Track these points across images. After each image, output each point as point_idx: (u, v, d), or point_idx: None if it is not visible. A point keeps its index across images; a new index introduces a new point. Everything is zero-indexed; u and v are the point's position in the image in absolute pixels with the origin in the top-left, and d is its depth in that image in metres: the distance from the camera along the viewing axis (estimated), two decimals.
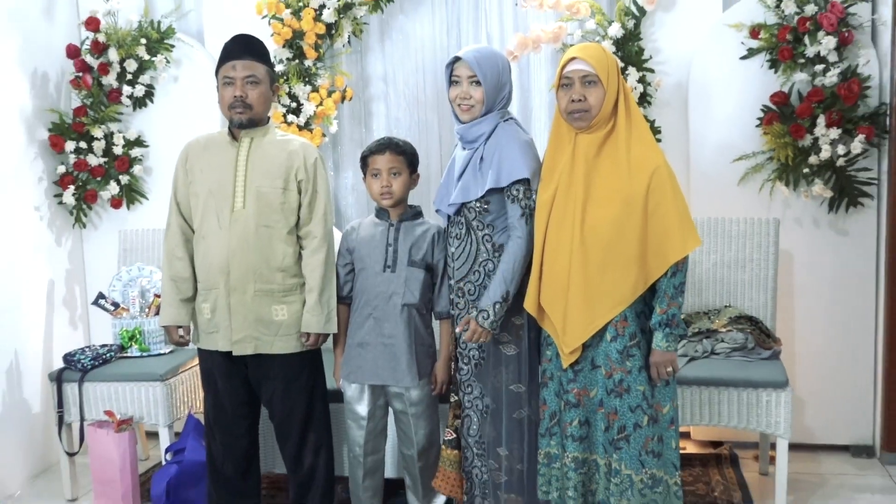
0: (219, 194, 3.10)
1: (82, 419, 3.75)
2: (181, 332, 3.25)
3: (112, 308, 3.95)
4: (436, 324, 3.24)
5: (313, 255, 3.13)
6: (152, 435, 4.40)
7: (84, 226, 4.45)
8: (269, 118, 3.21)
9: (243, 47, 3.09)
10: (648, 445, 2.73)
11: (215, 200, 3.11)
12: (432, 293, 3.18)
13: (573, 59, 2.73)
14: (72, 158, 4.28)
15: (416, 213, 3.20)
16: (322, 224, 3.15)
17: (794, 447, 3.59)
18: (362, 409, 3.18)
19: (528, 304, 2.85)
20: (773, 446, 3.48)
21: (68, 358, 3.83)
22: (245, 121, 3.08)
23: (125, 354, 3.90)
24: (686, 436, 4.17)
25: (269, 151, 3.13)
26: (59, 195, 4.31)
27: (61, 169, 4.29)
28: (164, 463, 3.68)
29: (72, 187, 4.29)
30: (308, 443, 3.25)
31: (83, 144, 4.27)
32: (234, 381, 3.21)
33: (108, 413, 3.67)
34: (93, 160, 4.26)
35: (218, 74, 3.11)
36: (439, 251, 3.13)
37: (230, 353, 3.13)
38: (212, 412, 3.30)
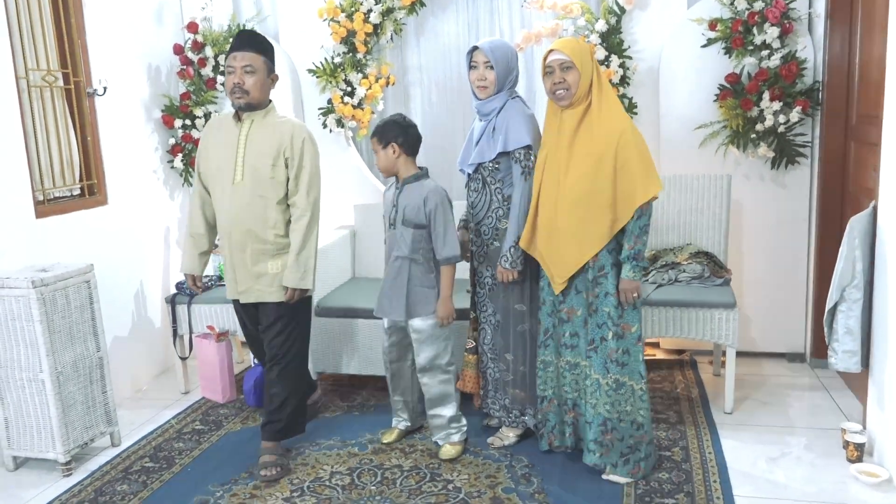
0: (224, 169, 2.84)
1: (191, 332, 3.73)
2: (193, 279, 3.04)
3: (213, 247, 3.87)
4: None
5: (297, 221, 2.85)
6: (244, 343, 4.36)
7: (190, 184, 4.30)
8: (270, 101, 2.89)
9: (244, 41, 2.80)
10: (612, 356, 2.63)
11: (221, 174, 2.85)
12: (427, 245, 2.86)
13: (552, 51, 2.63)
14: (180, 132, 4.17)
15: (419, 176, 2.86)
16: (305, 195, 2.84)
17: (740, 354, 3.57)
18: (385, 324, 2.99)
19: (523, 243, 2.76)
20: (724, 353, 3.36)
21: (180, 286, 3.79)
22: (243, 105, 2.79)
23: (222, 283, 3.81)
24: (656, 345, 4.06)
25: (265, 132, 2.83)
26: (171, 161, 4.20)
27: (172, 141, 4.18)
28: (252, 366, 3.68)
29: (180, 155, 4.17)
30: (273, 372, 2.95)
31: (188, 122, 4.15)
32: (250, 312, 3.02)
33: (210, 328, 3.66)
34: (195, 134, 4.13)
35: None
36: (430, 210, 2.80)
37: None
38: (245, 334, 3.19)
